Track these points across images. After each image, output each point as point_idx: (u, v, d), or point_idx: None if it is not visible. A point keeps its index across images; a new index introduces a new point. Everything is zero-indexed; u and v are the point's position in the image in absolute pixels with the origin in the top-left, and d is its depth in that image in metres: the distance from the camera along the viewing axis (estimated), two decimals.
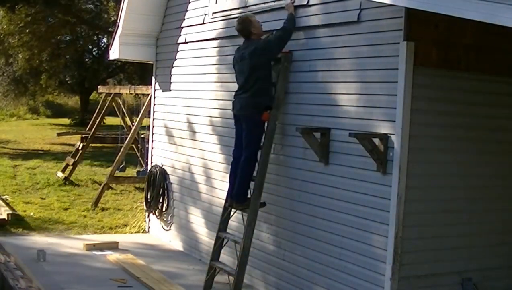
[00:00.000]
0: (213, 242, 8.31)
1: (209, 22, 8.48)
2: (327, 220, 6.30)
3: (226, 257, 7.43)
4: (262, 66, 6.69)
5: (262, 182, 6.75)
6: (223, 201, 8.03)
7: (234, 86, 7.91)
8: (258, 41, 6.77)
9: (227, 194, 7.10)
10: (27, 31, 25.39)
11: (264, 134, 6.79)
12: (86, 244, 8.86)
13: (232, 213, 7.15)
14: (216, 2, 8.35)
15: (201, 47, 8.71)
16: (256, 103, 6.69)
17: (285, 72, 6.76)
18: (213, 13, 8.40)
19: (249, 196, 6.84)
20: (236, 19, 7.06)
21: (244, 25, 6.84)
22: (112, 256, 8.40)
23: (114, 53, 10.07)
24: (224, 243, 7.23)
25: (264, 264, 7.22)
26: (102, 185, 12.85)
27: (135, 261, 8.17)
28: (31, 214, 11.31)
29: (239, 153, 6.92)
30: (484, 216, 6.02)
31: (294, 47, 6.78)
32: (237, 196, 6.86)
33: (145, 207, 10.07)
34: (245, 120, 6.83)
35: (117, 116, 15.99)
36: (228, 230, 7.25)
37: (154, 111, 10.23)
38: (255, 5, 7.51)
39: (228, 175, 7.96)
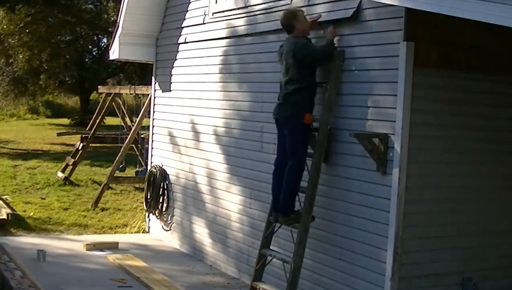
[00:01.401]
0: (213, 241, 8.32)
1: (209, 22, 8.48)
2: (327, 220, 6.29)
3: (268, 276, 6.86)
4: (302, 67, 6.13)
5: (314, 194, 6.12)
6: (225, 201, 8.05)
7: (235, 86, 7.93)
8: (299, 40, 6.23)
9: (271, 206, 6.51)
10: (27, 31, 25.39)
11: (315, 139, 6.20)
12: (86, 244, 8.85)
13: (276, 227, 6.53)
14: (216, 2, 8.35)
15: (201, 47, 8.71)
16: (295, 105, 6.13)
17: (337, 71, 6.14)
18: (213, 13, 8.40)
19: (296, 208, 6.26)
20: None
21: (286, 18, 6.30)
22: (112, 256, 8.40)
23: (114, 53, 10.07)
24: (268, 261, 6.59)
25: None
26: (102, 185, 12.85)
27: (135, 261, 8.17)
28: (31, 214, 11.30)
29: (280, 162, 6.35)
30: (484, 216, 6.01)
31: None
32: (283, 209, 6.22)
33: (145, 207, 10.07)
34: (286, 125, 6.25)
35: (117, 116, 15.98)
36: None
37: (154, 112, 10.23)
38: (255, 5, 7.50)
39: (231, 175, 7.97)
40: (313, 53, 6.16)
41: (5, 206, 11.09)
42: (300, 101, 6.14)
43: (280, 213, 6.26)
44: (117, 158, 12.84)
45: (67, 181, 14.75)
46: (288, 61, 6.17)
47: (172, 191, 9.46)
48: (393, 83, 5.55)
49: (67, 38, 29.74)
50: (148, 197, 9.86)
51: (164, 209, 9.61)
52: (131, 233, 10.35)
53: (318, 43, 6.33)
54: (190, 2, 8.99)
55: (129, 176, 13.86)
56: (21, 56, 27.05)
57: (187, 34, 9.05)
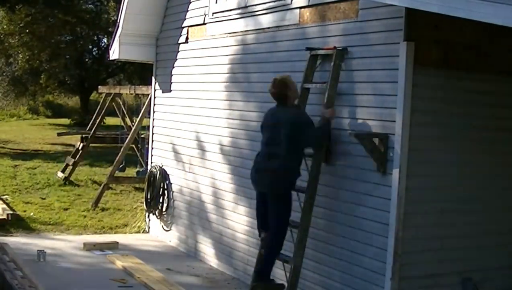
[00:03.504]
0: (213, 241, 8.32)
1: (209, 22, 8.48)
2: (327, 220, 6.30)
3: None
4: (297, 141, 5.98)
5: (314, 194, 6.13)
6: (225, 201, 8.05)
7: (234, 86, 7.93)
8: (297, 112, 6.15)
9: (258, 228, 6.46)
10: (27, 31, 25.43)
11: None
12: (86, 244, 8.85)
13: None
14: (216, 2, 8.35)
15: (201, 47, 8.71)
16: (285, 180, 6.09)
17: (337, 71, 6.09)
18: (213, 13, 8.40)
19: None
20: (272, 80, 6.28)
21: (278, 88, 6.17)
22: (112, 256, 8.40)
23: (114, 53, 10.08)
24: None
25: None
26: (102, 185, 12.85)
27: (135, 261, 8.17)
28: (31, 214, 11.31)
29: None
30: (484, 216, 6.01)
31: (292, 47, 6.77)
32: (261, 273, 6.19)
33: (145, 207, 10.07)
34: (271, 196, 6.16)
35: (117, 116, 15.98)
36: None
37: (154, 112, 10.23)
38: (255, 5, 7.50)
39: (229, 175, 7.97)
40: (310, 140, 6.03)
41: (5, 206, 11.09)
42: (291, 177, 6.10)
43: (259, 276, 6.21)
44: (117, 158, 12.84)
45: (67, 181, 14.75)
46: (282, 132, 6.00)
47: (172, 191, 9.46)
48: (393, 83, 5.55)
49: (67, 38, 29.79)
50: (148, 197, 9.86)
51: (164, 209, 9.61)
52: (131, 233, 10.35)
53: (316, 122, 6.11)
54: (190, 2, 8.99)
55: (129, 176, 13.85)
56: (21, 56, 27.07)
57: (187, 34, 9.05)
